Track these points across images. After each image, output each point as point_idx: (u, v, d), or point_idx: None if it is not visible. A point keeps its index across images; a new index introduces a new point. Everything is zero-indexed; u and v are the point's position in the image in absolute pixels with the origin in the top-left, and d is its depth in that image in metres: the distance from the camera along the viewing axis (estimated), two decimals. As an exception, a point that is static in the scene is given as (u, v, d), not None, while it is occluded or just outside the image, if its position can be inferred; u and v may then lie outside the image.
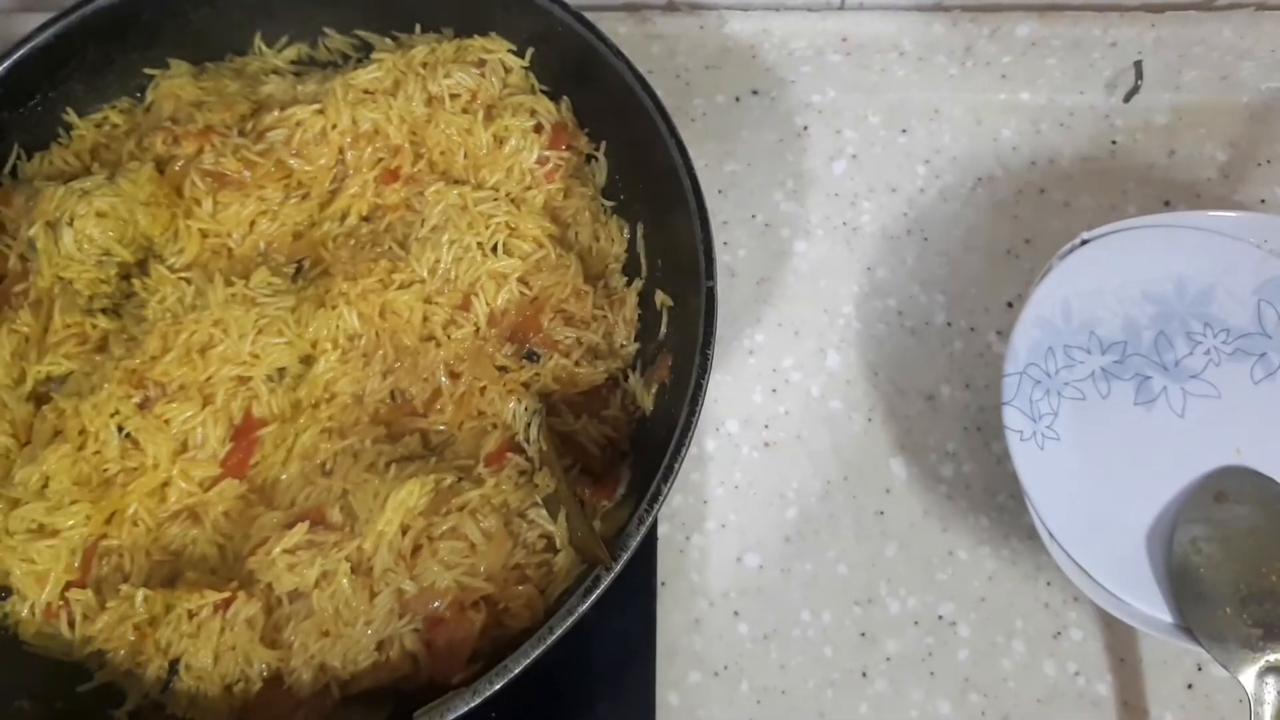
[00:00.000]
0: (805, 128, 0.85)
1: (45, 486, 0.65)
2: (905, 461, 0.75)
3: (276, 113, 0.73)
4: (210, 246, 0.73)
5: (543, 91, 0.77)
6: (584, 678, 0.69)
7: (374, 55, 0.76)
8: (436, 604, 0.61)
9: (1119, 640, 0.70)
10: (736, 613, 0.72)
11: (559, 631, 0.56)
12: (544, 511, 0.65)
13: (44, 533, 0.65)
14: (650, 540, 0.72)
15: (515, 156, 0.73)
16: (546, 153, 0.74)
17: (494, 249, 0.71)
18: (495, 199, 0.73)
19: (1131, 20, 0.86)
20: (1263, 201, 0.81)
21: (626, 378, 0.71)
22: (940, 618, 0.71)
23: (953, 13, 0.88)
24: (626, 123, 0.70)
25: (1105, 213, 0.81)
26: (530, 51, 0.76)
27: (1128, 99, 0.84)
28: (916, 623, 0.71)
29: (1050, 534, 0.64)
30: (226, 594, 0.62)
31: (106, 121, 0.77)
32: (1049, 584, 0.72)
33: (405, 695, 0.61)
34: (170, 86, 0.76)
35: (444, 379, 0.70)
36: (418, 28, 0.78)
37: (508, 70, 0.76)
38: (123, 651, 0.64)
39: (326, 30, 0.79)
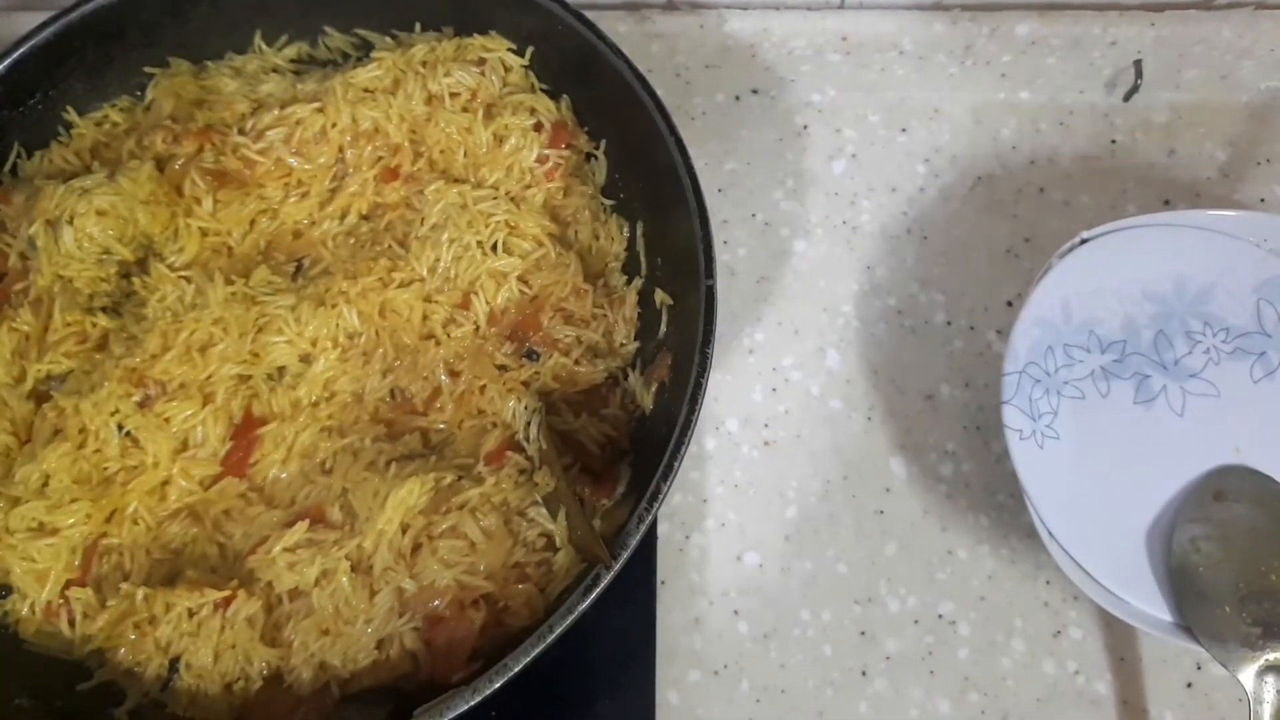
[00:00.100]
0: (805, 127, 0.85)
1: (45, 485, 0.66)
2: (905, 460, 0.75)
3: (276, 111, 0.73)
4: (210, 245, 0.73)
5: (543, 90, 0.77)
6: (584, 676, 0.69)
7: (374, 54, 0.76)
8: (436, 602, 0.61)
9: (1118, 639, 0.70)
10: (736, 612, 0.72)
11: (559, 630, 0.56)
12: (544, 510, 0.65)
13: (44, 531, 0.65)
14: (650, 539, 0.72)
15: (515, 155, 0.74)
16: (546, 151, 0.74)
17: (494, 247, 0.72)
18: (495, 197, 0.73)
19: (1131, 19, 0.87)
20: (1262, 201, 0.81)
21: (626, 376, 0.71)
22: (940, 617, 0.71)
23: (952, 11, 0.88)
24: (626, 121, 0.70)
25: (1105, 212, 0.81)
26: (530, 50, 0.76)
27: (1127, 98, 0.84)
28: (916, 622, 0.71)
29: (1050, 533, 0.64)
30: (227, 592, 0.62)
31: (106, 120, 0.77)
32: (1048, 583, 0.72)
33: (405, 694, 0.61)
34: (170, 85, 0.76)
35: (444, 377, 0.70)
36: (417, 26, 0.78)
37: (507, 69, 0.76)
38: (123, 650, 0.64)
39: (326, 29, 0.79)
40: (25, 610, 0.65)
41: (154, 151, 0.73)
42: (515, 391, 0.69)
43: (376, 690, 0.62)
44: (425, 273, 0.71)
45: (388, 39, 0.79)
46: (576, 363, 0.70)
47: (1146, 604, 0.63)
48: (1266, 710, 0.59)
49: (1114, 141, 0.83)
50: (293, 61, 0.80)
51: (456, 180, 0.74)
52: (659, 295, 0.71)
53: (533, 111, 0.74)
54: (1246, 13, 0.86)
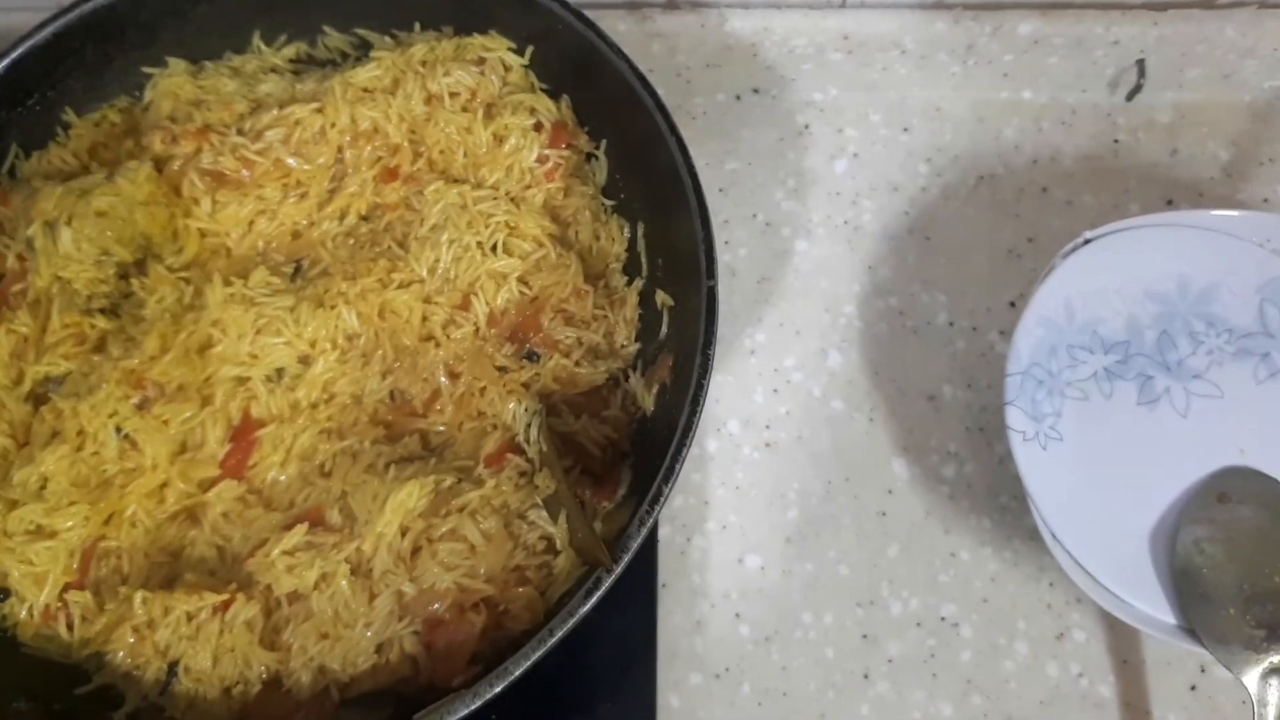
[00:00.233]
0: (806, 126, 0.85)
1: (43, 488, 0.65)
2: (907, 462, 0.75)
3: (275, 111, 0.73)
4: (209, 246, 0.73)
5: (543, 90, 0.76)
6: (585, 680, 0.68)
7: (373, 54, 0.76)
8: (436, 606, 0.61)
9: (1122, 641, 0.70)
10: (738, 614, 0.72)
11: (560, 633, 0.56)
12: (544, 513, 0.64)
13: (42, 534, 0.65)
14: (651, 541, 0.72)
15: (515, 155, 0.73)
16: (546, 151, 0.74)
17: (494, 248, 0.71)
18: (495, 198, 0.72)
19: (1134, 18, 0.86)
20: (1265, 200, 0.81)
21: (627, 378, 0.71)
22: (942, 619, 0.71)
23: (954, 10, 0.87)
24: (627, 121, 0.70)
25: (1108, 212, 0.81)
26: (530, 50, 0.75)
27: (1130, 97, 0.84)
28: (918, 624, 0.71)
29: (1053, 535, 0.64)
30: (225, 596, 0.62)
31: (105, 120, 0.77)
32: (1051, 585, 0.72)
33: (405, 698, 0.61)
34: (168, 85, 0.76)
35: (443, 379, 0.70)
36: (417, 26, 0.78)
37: (507, 68, 0.75)
38: (121, 653, 0.63)
39: (325, 28, 0.79)
40: (23, 613, 0.65)
41: (152, 152, 0.73)
42: (515, 393, 0.69)
43: (376, 694, 0.62)
44: (425, 274, 0.70)
45: (387, 39, 0.79)
46: (577, 364, 0.70)
47: (1150, 606, 0.63)
48: (1271, 713, 0.59)
49: (1117, 141, 0.83)
50: (291, 61, 0.80)
51: (456, 180, 0.74)
52: (660, 296, 0.71)
53: (533, 111, 0.74)
54: (1250, 12, 0.86)
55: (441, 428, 0.69)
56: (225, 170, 0.72)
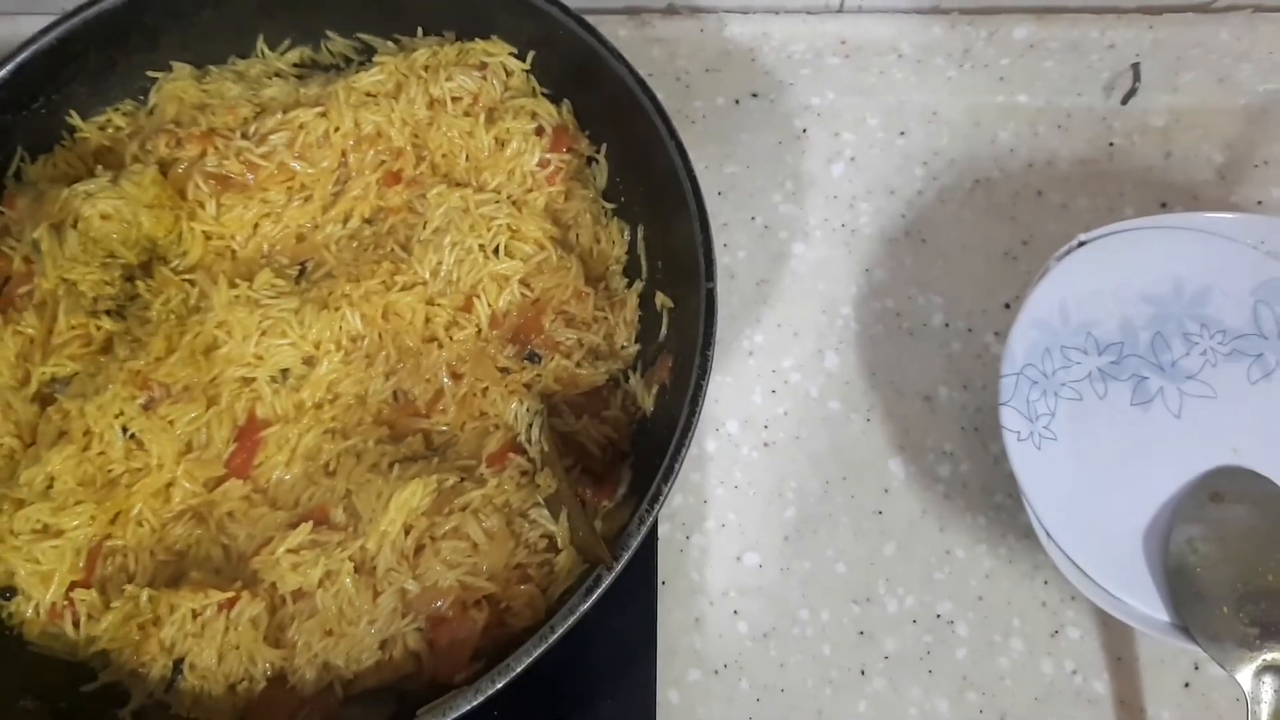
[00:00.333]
0: (804, 130, 0.86)
1: (50, 487, 0.66)
2: (903, 461, 0.76)
3: (279, 115, 0.74)
4: (214, 249, 0.74)
5: (544, 94, 0.77)
6: (585, 676, 0.69)
7: (376, 58, 0.77)
8: (439, 603, 0.62)
9: (1116, 639, 0.71)
10: (736, 611, 0.72)
11: (561, 630, 0.57)
12: (545, 511, 0.65)
13: (49, 533, 0.65)
14: (651, 540, 0.72)
15: (517, 159, 0.74)
16: (548, 155, 0.74)
17: (495, 251, 0.72)
18: (497, 201, 0.73)
19: (1129, 22, 0.87)
20: (1260, 203, 0.81)
21: (627, 379, 0.72)
22: (938, 616, 0.72)
23: (951, 15, 0.88)
24: (627, 125, 0.70)
25: (1102, 214, 0.81)
26: (531, 55, 0.76)
27: (1125, 101, 0.84)
28: (915, 621, 0.72)
29: (1047, 533, 0.64)
30: (230, 594, 0.63)
31: (110, 124, 0.77)
32: (1046, 583, 0.72)
33: (408, 694, 0.61)
34: (173, 89, 0.77)
35: (446, 380, 0.70)
36: (419, 31, 0.78)
37: (509, 73, 0.76)
38: (127, 651, 0.64)
39: (328, 33, 0.80)
40: (30, 612, 0.65)
41: (157, 155, 0.73)
42: (517, 394, 0.69)
43: (379, 690, 0.62)
44: (428, 276, 0.71)
45: (390, 43, 0.79)
46: (578, 365, 0.71)
47: (1144, 604, 0.63)
48: (1264, 710, 0.59)
49: (1112, 144, 0.84)
50: (295, 66, 0.80)
51: (458, 184, 0.74)
52: (660, 298, 0.72)
53: (534, 116, 0.75)
54: (1244, 16, 0.86)
55: (444, 428, 0.70)
56: (230, 174, 0.73)
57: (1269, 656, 0.60)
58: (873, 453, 0.76)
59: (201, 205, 0.73)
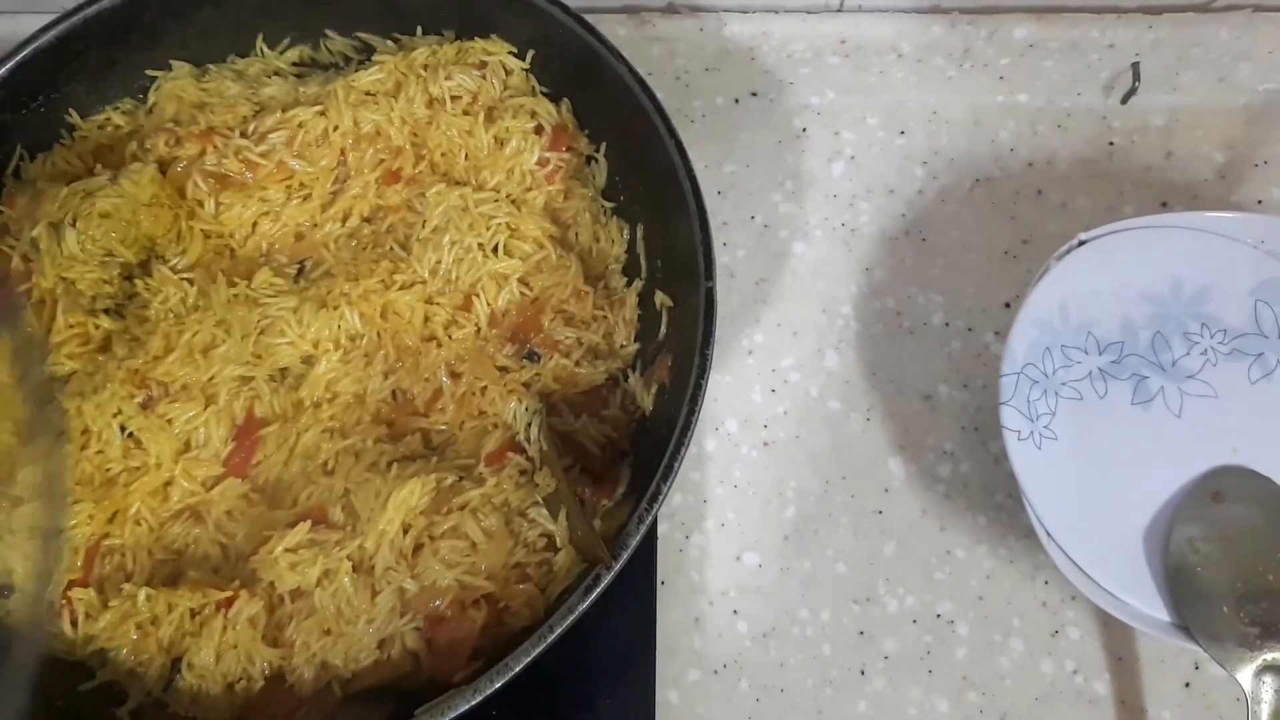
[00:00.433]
0: (804, 129, 0.86)
1: (48, 486, 0.66)
2: (903, 461, 0.76)
3: (278, 114, 0.74)
4: (212, 247, 0.74)
5: (543, 93, 0.77)
6: (584, 676, 0.69)
7: (375, 57, 0.77)
8: (437, 602, 0.62)
9: (1116, 639, 0.71)
10: (736, 611, 0.72)
11: (559, 630, 0.57)
12: (544, 511, 0.65)
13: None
14: (650, 539, 0.72)
15: (516, 158, 0.74)
16: (547, 154, 0.74)
17: (495, 250, 0.72)
18: (496, 200, 0.73)
19: (1129, 22, 0.87)
20: (1260, 202, 0.81)
21: (626, 378, 0.72)
22: (938, 616, 0.72)
23: (950, 15, 0.88)
24: (627, 124, 0.70)
25: (1102, 214, 0.81)
26: (531, 54, 0.76)
27: (1125, 100, 0.84)
28: (915, 621, 0.72)
29: (1048, 533, 0.64)
30: (229, 593, 0.63)
31: (109, 123, 0.77)
32: (1046, 583, 0.72)
33: (406, 693, 0.61)
34: (172, 88, 0.77)
35: (445, 379, 0.70)
36: (419, 30, 0.78)
37: (508, 72, 0.76)
38: (125, 650, 0.64)
39: (328, 32, 0.80)
40: (27, 610, 0.65)
41: (156, 154, 0.73)
42: (516, 393, 0.69)
43: (378, 690, 0.62)
44: (427, 275, 0.71)
45: (389, 42, 0.79)
46: (577, 364, 0.71)
47: (1144, 604, 0.63)
48: (1264, 710, 0.59)
49: (1112, 144, 0.84)
50: (294, 65, 0.80)
51: (458, 183, 0.74)
52: (659, 297, 0.72)
53: (533, 114, 0.75)
54: (1244, 15, 0.86)
55: (443, 427, 0.70)
56: (229, 172, 0.73)
57: (1269, 656, 0.60)
58: (873, 452, 0.76)
59: (200, 204, 0.73)
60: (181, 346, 0.68)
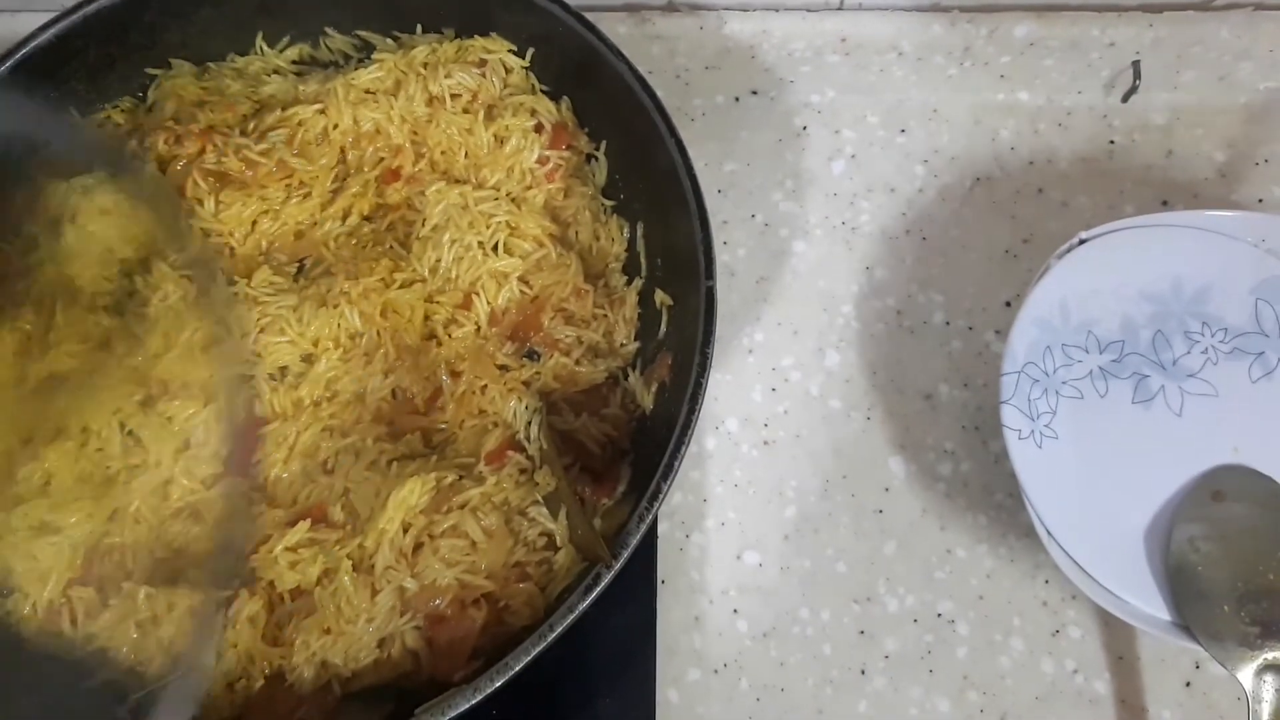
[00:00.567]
0: (804, 128, 0.85)
1: (47, 484, 0.66)
2: (904, 460, 0.76)
3: (278, 113, 0.74)
4: (212, 245, 0.73)
5: (543, 91, 0.77)
6: (584, 675, 0.69)
7: (375, 55, 0.77)
8: (438, 601, 0.62)
9: (1117, 638, 0.71)
10: (736, 610, 0.72)
11: (560, 629, 0.57)
12: (544, 509, 0.65)
13: (46, 530, 0.65)
14: (650, 538, 0.72)
15: (516, 156, 0.74)
16: (547, 152, 0.74)
17: (495, 248, 0.72)
18: (496, 198, 0.73)
19: (1129, 20, 0.87)
20: (1260, 201, 0.81)
21: (626, 376, 0.72)
22: (939, 616, 0.72)
23: (951, 13, 0.88)
24: (627, 123, 0.70)
25: (1103, 212, 0.81)
26: (531, 52, 0.76)
27: (1126, 99, 0.84)
28: (915, 620, 0.72)
29: (1048, 532, 0.64)
30: (229, 592, 0.62)
31: (109, 121, 0.77)
32: (1047, 582, 0.72)
33: (406, 692, 0.61)
34: (172, 86, 0.76)
35: (445, 378, 0.70)
36: (419, 28, 0.78)
37: (508, 70, 0.76)
38: (125, 649, 0.64)
39: (328, 30, 0.80)
40: (27, 609, 0.65)
41: (156, 152, 0.73)
42: (516, 391, 0.69)
43: (378, 689, 0.62)
44: (426, 273, 0.71)
45: (389, 40, 0.79)
46: (577, 363, 0.70)
47: (1145, 603, 0.63)
48: (1265, 709, 0.59)
49: (1112, 142, 0.84)
50: (294, 63, 0.80)
51: (457, 181, 0.74)
52: (659, 296, 0.72)
53: (533, 113, 0.75)
54: (1245, 14, 0.86)
55: (443, 425, 0.70)
56: (229, 171, 0.72)
57: (1270, 655, 0.60)
58: (873, 451, 0.76)
59: (200, 202, 0.72)
60: (181, 344, 0.68)
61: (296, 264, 0.74)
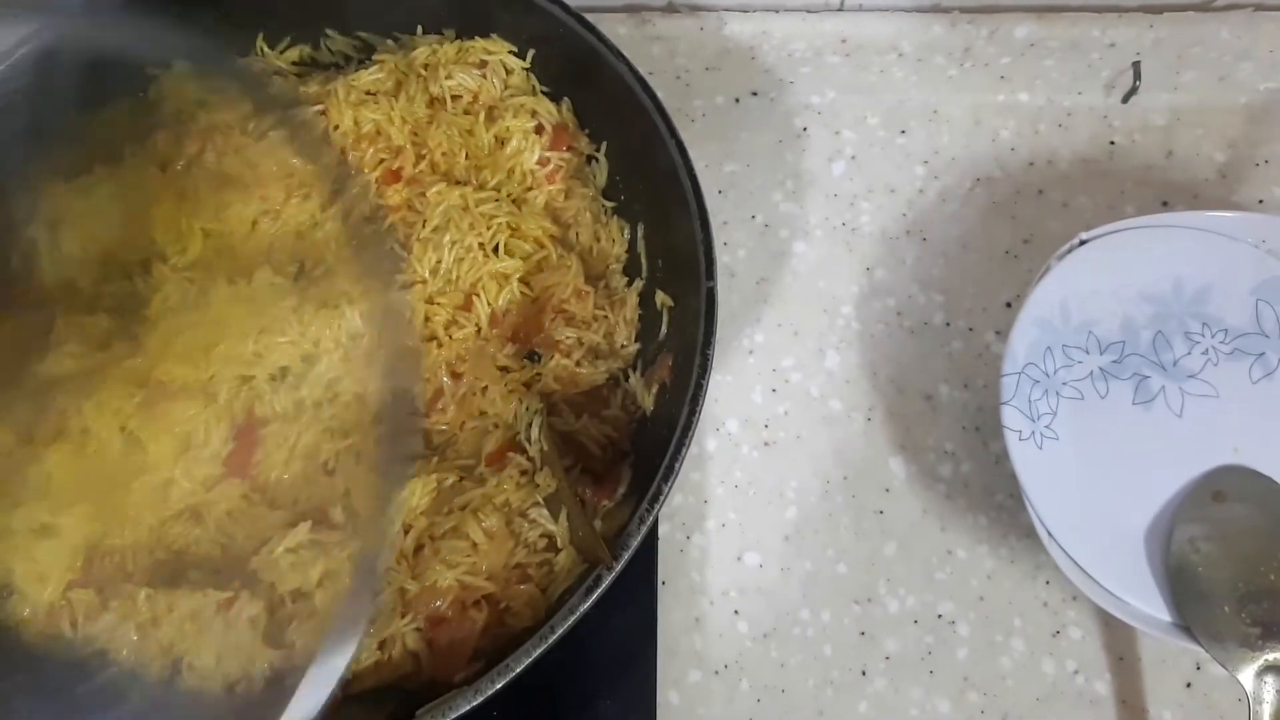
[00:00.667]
0: (804, 129, 0.85)
1: (47, 485, 0.65)
2: (904, 461, 0.76)
3: (279, 113, 0.73)
4: (212, 246, 0.73)
5: (544, 93, 0.77)
6: (585, 677, 0.69)
7: (375, 56, 0.77)
8: (438, 603, 0.62)
9: (1118, 639, 0.71)
10: (737, 611, 0.72)
11: (560, 630, 0.57)
12: (545, 511, 0.65)
13: (46, 532, 0.65)
14: (651, 539, 0.72)
15: (516, 157, 0.74)
16: (547, 154, 0.74)
17: (495, 249, 0.72)
18: (496, 200, 0.73)
19: (1130, 21, 0.87)
20: (1261, 202, 0.81)
21: (627, 378, 0.72)
22: (939, 616, 0.72)
23: (951, 14, 0.88)
24: (627, 124, 0.70)
25: (1103, 213, 0.81)
26: (531, 53, 0.76)
27: (1126, 100, 0.84)
28: (916, 621, 0.72)
29: (1049, 533, 0.64)
30: (229, 593, 0.62)
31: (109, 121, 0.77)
32: (1048, 583, 0.72)
33: (407, 694, 0.61)
34: (172, 86, 0.76)
35: (446, 379, 0.70)
36: (419, 29, 0.78)
37: (509, 71, 0.76)
38: (125, 651, 0.64)
39: (328, 31, 0.79)
40: (27, 611, 0.65)
41: (156, 152, 0.73)
42: (517, 393, 0.69)
43: (379, 690, 0.62)
44: (427, 274, 0.71)
45: (389, 41, 0.79)
46: (578, 364, 0.70)
47: (1145, 604, 0.63)
48: (1266, 710, 0.59)
49: (1112, 143, 0.84)
50: (295, 64, 0.80)
51: (458, 182, 0.74)
52: (660, 297, 0.72)
53: (534, 114, 0.75)
54: (1245, 14, 0.87)
55: (444, 427, 0.69)
56: (229, 171, 0.72)
57: (1271, 656, 0.60)
58: (873, 452, 0.76)
59: (200, 202, 0.72)
60: (181, 345, 0.68)
61: (297, 264, 0.73)
